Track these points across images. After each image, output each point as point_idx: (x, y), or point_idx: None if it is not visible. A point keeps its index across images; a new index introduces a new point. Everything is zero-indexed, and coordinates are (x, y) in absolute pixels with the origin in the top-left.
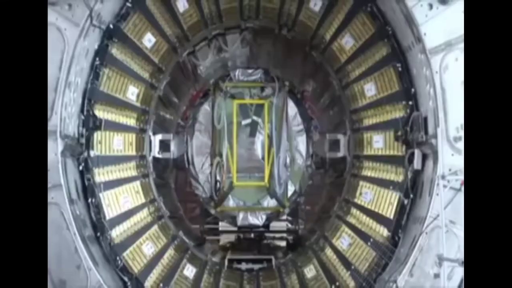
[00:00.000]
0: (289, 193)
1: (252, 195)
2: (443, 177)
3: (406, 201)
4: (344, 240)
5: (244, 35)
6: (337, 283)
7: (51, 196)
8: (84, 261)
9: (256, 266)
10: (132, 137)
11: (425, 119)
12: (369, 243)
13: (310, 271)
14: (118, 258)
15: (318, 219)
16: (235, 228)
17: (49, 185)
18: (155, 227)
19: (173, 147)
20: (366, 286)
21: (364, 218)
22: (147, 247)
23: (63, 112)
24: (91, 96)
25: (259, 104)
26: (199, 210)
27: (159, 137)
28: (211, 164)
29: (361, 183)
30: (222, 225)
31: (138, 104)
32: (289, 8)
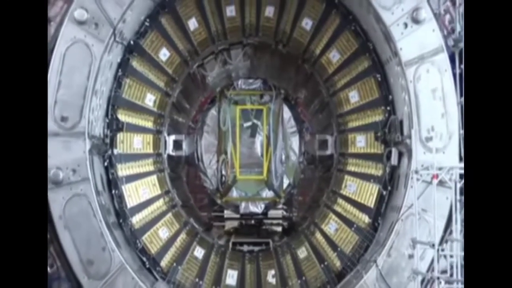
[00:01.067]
0: (284, 185)
1: (252, 187)
2: (416, 172)
3: (384, 192)
4: (331, 225)
5: (245, 50)
6: (326, 263)
7: (80, 188)
8: (108, 244)
9: (256, 248)
10: (149, 137)
11: (401, 122)
12: (353, 228)
13: (302, 253)
14: (137, 241)
15: (309, 207)
16: (238, 216)
17: (78, 178)
18: (169, 214)
19: (184, 146)
20: (350, 265)
21: (349, 207)
22: (163, 232)
23: (90, 116)
24: (115, 102)
25: (258, 109)
26: (207, 200)
27: (172, 137)
28: (218, 161)
29: (346, 177)
30: (227, 213)
31: (154, 109)
32: (284, 26)
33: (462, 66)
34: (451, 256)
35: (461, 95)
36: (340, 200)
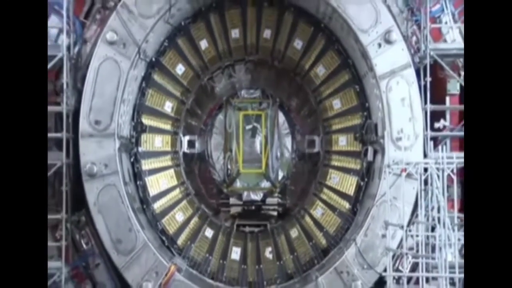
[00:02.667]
0: (279, 177)
1: (253, 179)
2: (388, 166)
3: (362, 183)
4: (318, 210)
5: (247, 66)
6: (313, 241)
7: (111, 179)
8: (134, 225)
9: (256, 229)
10: (168, 138)
11: (376, 125)
12: (336, 213)
13: (294, 233)
14: (158, 223)
15: (300, 195)
16: (241, 202)
17: (109, 172)
18: (184, 201)
19: (197, 145)
20: (334, 243)
21: (332, 195)
22: (179, 216)
23: (119, 120)
24: (139, 108)
25: (258, 114)
26: (215, 189)
27: (187, 138)
28: (224, 157)
29: (330, 170)
30: (232, 200)
31: (172, 115)
32: (279, 46)
33: (427, 79)
34: (417, 236)
35: (425, 103)
36: (325, 190)
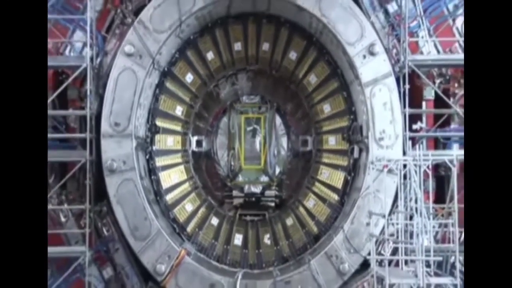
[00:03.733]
0: (276, 172)
1: (253, 174)
2: (372, 162)
3: (349, 178)
4: (310, 202)
5: (248, 74)
6: (306, 228)
7: (129, 174)
8: (149, 215)
9: (256, 218)
10: (178, 138)
11: (361, 127)
12: (326, 204)
13: (289, 221)
14: (170, 213)
15: (294, 188)
16: (242, 195)
17: (127, 168)
18: (193, 194)
19: (204, 144)
20: (324, 230)
21: (323, 188)
22: (188, 206)
23: (136, 122)
24: (153, 112)
25: (258, 117)
26: (220, 183)
27: (195, 138)
28: (228, 155)
29: (321, 166)
30: (235, 193)
31: (182, 118)
32: (276, 57)
33: (406, 86)
34: (397, 224)
35: (404, 107)
36: (317, 183)
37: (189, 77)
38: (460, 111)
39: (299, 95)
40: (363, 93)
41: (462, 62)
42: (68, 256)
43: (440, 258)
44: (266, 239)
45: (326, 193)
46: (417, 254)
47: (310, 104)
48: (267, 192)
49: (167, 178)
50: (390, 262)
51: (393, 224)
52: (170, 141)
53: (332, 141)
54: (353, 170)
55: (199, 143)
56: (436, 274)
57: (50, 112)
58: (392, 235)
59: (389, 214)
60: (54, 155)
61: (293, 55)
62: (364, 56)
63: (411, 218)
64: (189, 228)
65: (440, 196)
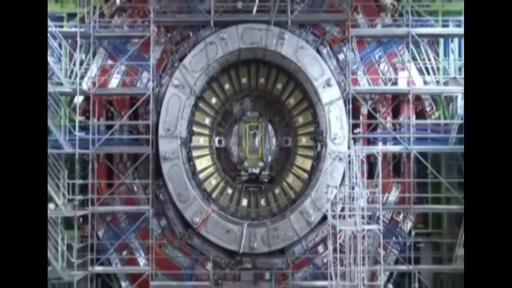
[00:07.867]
0: (269, 160)
1: (254, 161)
2: (329, 154)
3: (314, 163)
4: (290, 178)
5: (251, 98)
6: (287, 195)
7: (175, 161)
8: (188, 186)
9: (256, 189)
10: (207, 138)
11: (322, 132)
12: (300, 180)
13: (277, 191)
14: (201, 185)
15: (280, 171)
16: (247, 174)
17: (175, 157)
18: (216, 173)
19: (223, 142)
20: (298, 197)
21: (298, 170)
22: (213, 181)
23: (180, 129)
24: (191, 122)
25: (257, 125)
26: (233, 167)
27: (217, 138)
28: (238, 149)
29: (297, 156)
30: (242, 173)
31: (209, 125)
32: (269, 87)
33: (349, 106)
34: (344, 192)
35: (348, 119)
36: (294, 167)
37: (213, 100)
38: (383, 121)
39: (283, 111)
40: (323, 110)
41: (386, 91)
42: (138, 212)
43: (370, 213)
44: (262, 202)
45: (300, 173)
46: (356, 211)
47: (290, 117)
48: (263, 173)
49: (200, 164)
50: (340, 216)
51: (342, 192)
52: (201, 140)
53: (303, 140)
54: (317, 159)
55: (219, 142)
56: (368, 224)
57: (127, 122)
58: (341, 199)
59: (339, 186)
60: (129, 149)
61: (279, 86)
62: (324, 87)
63: (353, 188)
64: (213, 195)
65: (371, 175)
